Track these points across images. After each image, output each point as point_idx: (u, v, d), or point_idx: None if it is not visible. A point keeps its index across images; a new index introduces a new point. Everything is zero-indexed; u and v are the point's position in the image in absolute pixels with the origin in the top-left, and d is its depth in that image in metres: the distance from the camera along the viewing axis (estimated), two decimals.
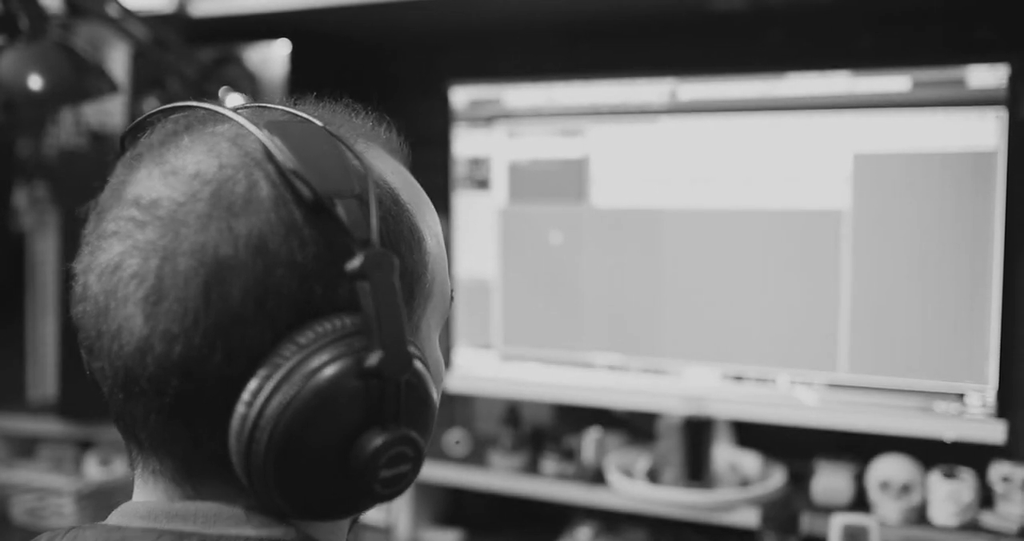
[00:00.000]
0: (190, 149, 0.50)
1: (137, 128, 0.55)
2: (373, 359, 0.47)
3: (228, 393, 0.47)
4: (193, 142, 0.50)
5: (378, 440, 0.48)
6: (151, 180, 0.49)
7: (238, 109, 0.53)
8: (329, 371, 0.47)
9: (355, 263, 0.48)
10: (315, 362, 0.46)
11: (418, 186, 0.58)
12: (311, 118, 0.53)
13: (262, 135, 0.49)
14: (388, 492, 0.49)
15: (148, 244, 0.48)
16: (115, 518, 0.52)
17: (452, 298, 0.60)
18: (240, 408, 0.46)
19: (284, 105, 0.55)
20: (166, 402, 0.48)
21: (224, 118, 0.52)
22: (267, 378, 0.46)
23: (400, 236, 0.52)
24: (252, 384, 0.46)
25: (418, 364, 0.49)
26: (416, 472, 0.50)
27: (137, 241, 0.48)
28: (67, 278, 0.52)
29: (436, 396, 0.52)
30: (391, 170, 0.55)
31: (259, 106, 0.56)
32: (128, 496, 0.54)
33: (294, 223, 0.48)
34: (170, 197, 0.48)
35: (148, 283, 0.47)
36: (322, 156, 0.49)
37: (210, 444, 0.48)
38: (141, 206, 0.49)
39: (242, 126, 0.50)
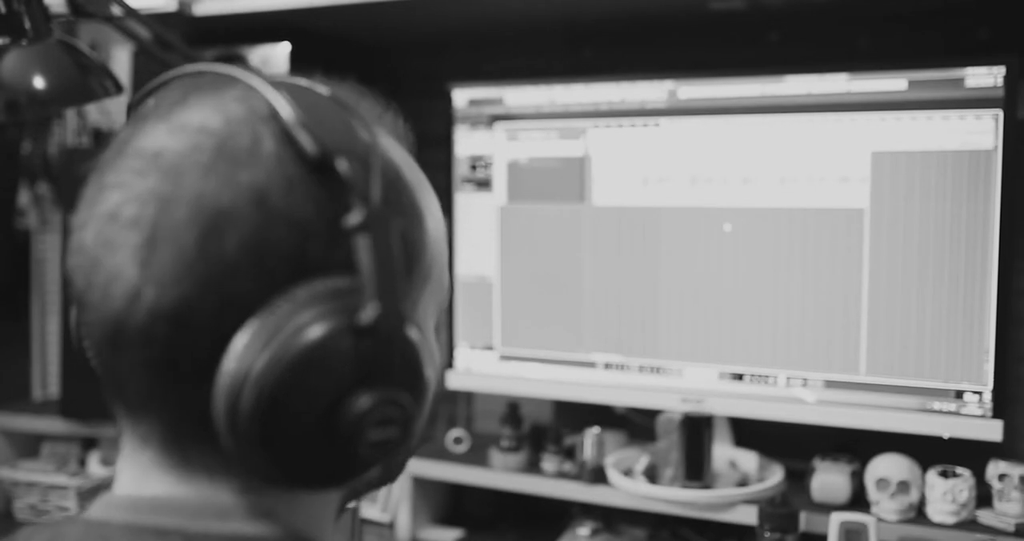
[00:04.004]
0: (196, 106, 0.50)
1: (147, 94, 0.55)
2: (367, 315, 0.47)
3: (217, 346, 0.47)
4: (200, 101, 0.51)
5: (367, 399, 0.48)
6: (155, 134, 0.50)
7: (248, 74, 0.53)
8: (321, 328, 0.46)
9: (355, 218, 0.48)
10: (306, 318, 0.46)
11: (420, 172, 0.58)
12: (319, 86, 0.53)
13: (269, 93, 0.49)
14: (374, 456, 0.49)
15: (147, 192, 0.48)
16: (98, 510, 0.52)
17: (449, 293, 0.60)
18: (228, 363, 0.46)
19: (294, 78, 0.56)
20: (154, 354, 0.47)
21: (232, 81, 0.52)
22: (257, 333, 0.46)
23: (401, 206, 0.53)
24: (241, 338, 0.46)
25: (412, 329, 0.49)
26: (405, 442, 0.50)
27: (136, 189, 0.48)
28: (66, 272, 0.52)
29: (430, 373, 0.51)
30: (396, 150, 0.56)
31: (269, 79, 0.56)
32: None
33: (296, 179, 0.48)
34: (173, 148, 0.49)
35: (144, 230, 0.47)
36: (328, 117, 0.50)
37: (197, 403, 0.47)
38: (143, 157, 0.49)
39: (250, 87, 0.50)
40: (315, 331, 0.46)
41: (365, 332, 0.47)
